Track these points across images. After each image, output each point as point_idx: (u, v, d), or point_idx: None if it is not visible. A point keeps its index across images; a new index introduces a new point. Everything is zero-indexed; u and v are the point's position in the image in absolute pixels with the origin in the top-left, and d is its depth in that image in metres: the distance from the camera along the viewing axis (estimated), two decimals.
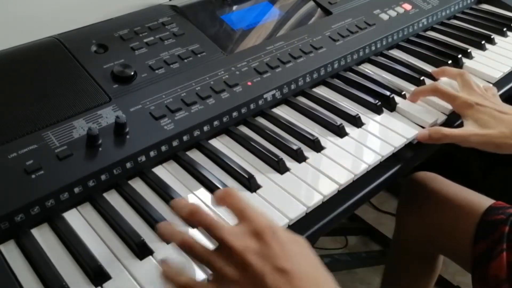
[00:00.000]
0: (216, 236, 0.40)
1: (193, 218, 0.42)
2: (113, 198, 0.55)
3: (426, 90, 0.72)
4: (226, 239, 0.39)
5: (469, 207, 0.78)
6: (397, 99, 0.73)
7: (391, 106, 0.71)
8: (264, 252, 0.38)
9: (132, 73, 0.64)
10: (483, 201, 0.78)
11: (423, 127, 0.68)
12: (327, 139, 0.65)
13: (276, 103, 0.70)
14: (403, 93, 0.74)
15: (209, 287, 0.40)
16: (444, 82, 0.77)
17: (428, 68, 0.81)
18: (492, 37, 0.92)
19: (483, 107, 0.66)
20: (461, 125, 0.68)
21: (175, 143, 0.60)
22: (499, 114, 0.65)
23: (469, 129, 0.65)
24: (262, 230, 0.39)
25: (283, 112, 0.70)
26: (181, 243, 0.42)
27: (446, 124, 0.71)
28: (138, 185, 0.56)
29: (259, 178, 0.57)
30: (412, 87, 0.76)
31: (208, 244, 0.45)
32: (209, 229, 0.41)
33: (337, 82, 0.76)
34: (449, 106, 0.71)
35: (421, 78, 0.77)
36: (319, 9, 0.85)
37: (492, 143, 0.63)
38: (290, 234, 0.42)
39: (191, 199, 0.55)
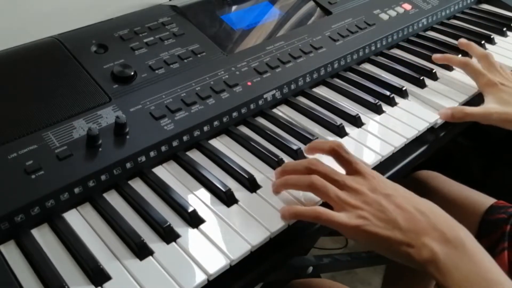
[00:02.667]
0: (336, 179, 0.51)
1: (316, 170, 0.52)
2: (113, 198, 0.55)
3: (456, 61, 0.75)
4: (347, 181, 0.50)
5: (470, 206, 0.78)
6: (397, 99, 0.73)
7: (391, 106, 0.71)
8: (372, 186, 0.50)
9: (132, 73, 0.64)
10: (484, 200, 0.78)
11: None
12: (327, 139, 0.65)
13: (276, 103, 0.70)
14: (403, 88, 0.74)
15: (338, 214, 0.48)
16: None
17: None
18: (492, 37, 0.92)
19: (506, 87, 0.69)
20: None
21: (175, 143, 0.60)
22: None
23: (490, 106, 0.67)
24: (368, 175, 0.51)
25: (283, 112, 0.70)
26: (311, 183, 0.50)
27: (447, 125, 0.71)
28: (138, 185, 0.56)
29: (259, 178, 0.57)
30: (412, 87, 0.76)
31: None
32: (330, 176, 0.51)
33: (337, 82, 0.76)
34: (448, 104, 0.71)
35: (421, 78, 0.77)
36: (319, 9, 0.85)
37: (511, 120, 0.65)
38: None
39: (191, 199, 0.55)
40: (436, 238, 0.45)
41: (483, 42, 0.89)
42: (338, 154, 0.53)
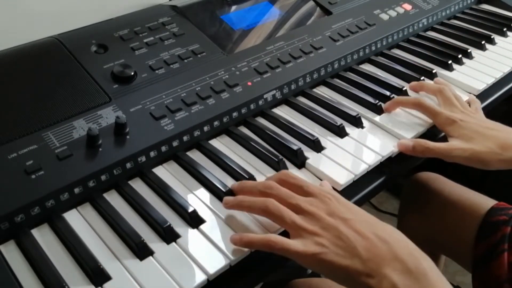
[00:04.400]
0: (293, 203, 0.48)
1: (271, 194, 0.50)
2: (113, 198, 0.55)
3: (408, 102, 0.70)
4: (302, 204, 0.48)
5: (471, 207, 0.78)
6: None
7: None
8: (330, 210, 0.48)
9: (132, 73, 0.64)
10: (485, 202, 0.78)
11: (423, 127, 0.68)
12: (327, 139, 0.65)
13: (276, 103, 0.70)
14: (404, 88, 0.74)
15: (293, 241, 0.46)
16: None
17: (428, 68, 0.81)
18: (492, 37, 0.92)
19: (466, 123, 0.64)
20: None
21: (175, 143, 0.60)
22: (483, 130, 0.63)
23: (453, 143, 0.63)
24: (327, 196, 0.49)
25: (283, 112, 0.70)
26: (265, 207, 0.48)
27: None
28: (138, 185, 0.56)
29: (259, 178, 0.57)
30: (414, 93, 0.76)
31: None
32: (287, 201, 0.49)
33: (337, 82, 0.76)
34: None
35: (421, 78, 0.77)
36: (319, 9, 0.85)
37: (476, 158, 0.61)
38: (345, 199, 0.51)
39: (191, 199, 0.55)
40: (397, 269, 0.42)
41: (483, 42, 0.89)
42: (286, 182, 0.51)
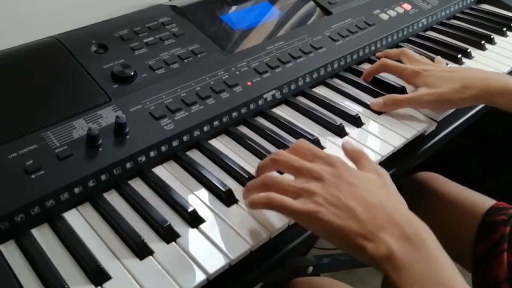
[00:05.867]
0: (296, 166, 0.48)
1: (278, 160, 0.50)
2: (113, 198, 0.55)
3: (376, 67, 0.74)
4: (307, 165, 0.48)
5: (470, 207, 0.78)
6: None
7: None
8: (336, 172, 0.47)
9: (132, 73, 0.64)
10: (484, 202, 0.78)
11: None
12: (327, 139, 0.65)
13: (276, 103, 0.70)
14: (403, 88, 0.74)
15: (289, 199, 0.46)
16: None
17: None
18: (492, 37, 0.92)
19: (430, 71, 0.69)
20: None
21: (175, 143, 0.60)
22: (446, 74, 0.68)
23: (420, 91, 0.68)
24: (334, 161, 0.49)
25: (283, 112, 0.70)
26: (263, 183, 0.49)
27: (446, 125, 0.71)
28: (138, 185, 0.56)
29: None
30: (412, 87, 0.76)
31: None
32: (291, 164, 0.49)
33: (337, 82, 0.76)
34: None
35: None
36: (319, 9, 0.85)
37: (444, 99, 0.66)
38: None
39: (191, 199, 0.55)
40: (395, 234, 0.42)
41: (483, 42, 0.89)
42: (297, 151, 0.52)
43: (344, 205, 0.44)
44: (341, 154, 0.62)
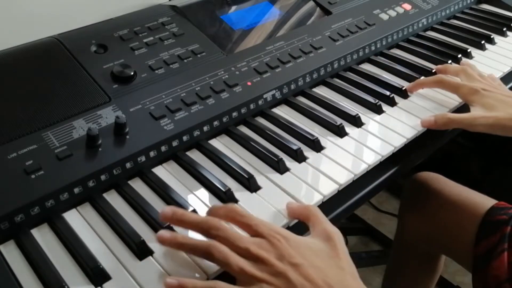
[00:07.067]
0: (241, 247, 0.44)
1: (218, 235, 0.45)
2: (113, 198, 0.55)
3: (430, 82, 0.72)
4: (252, 249, 0.44)
5: (471, 207, 0.78)
6: (397, 99, 0.73)
7: (391, 106, 0.71)
8: (280, 253, 0.44)
9: (132, 73, 0.64)
10: (485, 201, 0.78)
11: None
12: (327, 139, 0.65)
13: (276, 103, 0.70)
14: (403, 88, 0.74)
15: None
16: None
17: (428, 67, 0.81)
18: (492, 37, 0.92)
19: (489, 92, 0.66)
20: None
21: (175, 143, 0.60)
22: (505, 98, 0.65)
23: (476, 112, 0.65)
24: (273, 238, 0.45)
25: (283, 112, 0.70)
26: (210, 253, 0.44)
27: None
28: (138, 185, 0.56)
29: (259, 178, 0.57)
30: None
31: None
32: (232, 241, 0.45)
33: (337, 82, 0.76)
34: (449, 106, 0.71)
35: (421, 77, 0.77)
36: (319, 9, 0.85)
37: (499, 125, 0.63)
38: (298, 236, 0.47)
39: (191, 199, 0.55)
40: None
41: (483, 42, 0.89)
42: (234, 220, 0.48)
43: None
44: (341, 154, 0.62)
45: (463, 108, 0.71)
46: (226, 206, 0.49)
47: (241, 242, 0.45)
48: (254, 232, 0.46)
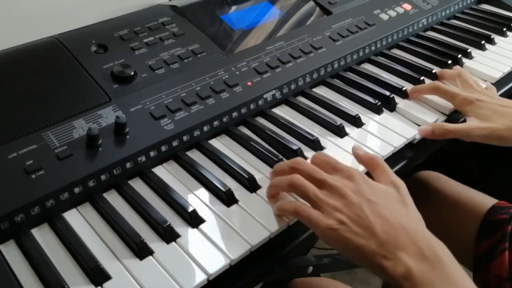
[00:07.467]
0: (318, 178, 0.49)
1: (298, 169, 0.51)
2: (113, 198, 0.55)
3: (426, 89, 0.72)
4: (328, 180, 0.49)
5: (472, 206, 0.78)
6: (397, 99, 0.73)
7: (391, 106, 0.71)
8: (357, 188, 0.48)
9: (132, 73, 0.64)
10: (486, 201, 0.78)
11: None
12: (327, 139, 0.65)
13: (276, 103, 0.70)
14: (403, 88, 0.74)
15: (315, 212, 0.47)
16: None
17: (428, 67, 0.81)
18: (492, 37, 0.92)
19: (483, 103, 0.67)
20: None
21: (175, 143, 0.60)
22: (500, 108, 0.65)
23: (471, 123, 0.65)
24: (354, 175, 0.49)
25: (283, 112, 0.70)
26: (291, 181, 0.50)
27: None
28: (138, 185, 0.56)
29: (259, 178, 0.57)
30: (412, 87, 0.76)
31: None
32: (313, 175, 0.50)
33: (337, 82, 0.76)
34: (449, 106, 0.71)
35: (421, 78, 0.77)
36: (319, 9, 0.85)
37: (495, 135, 0.63)
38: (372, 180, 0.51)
39: (191, 199, 0.55)
40: (413, 254, 0.43)
41: (483, 42, 0.89)
42: (317, 160, 0.53)
43: (365, 224, 0.45)
44: (341, 155, 0.62)
45: None
46: (314, 154, 0.55)
47: (319, 174, 0.49)
48: (334, 169, 0.51)
